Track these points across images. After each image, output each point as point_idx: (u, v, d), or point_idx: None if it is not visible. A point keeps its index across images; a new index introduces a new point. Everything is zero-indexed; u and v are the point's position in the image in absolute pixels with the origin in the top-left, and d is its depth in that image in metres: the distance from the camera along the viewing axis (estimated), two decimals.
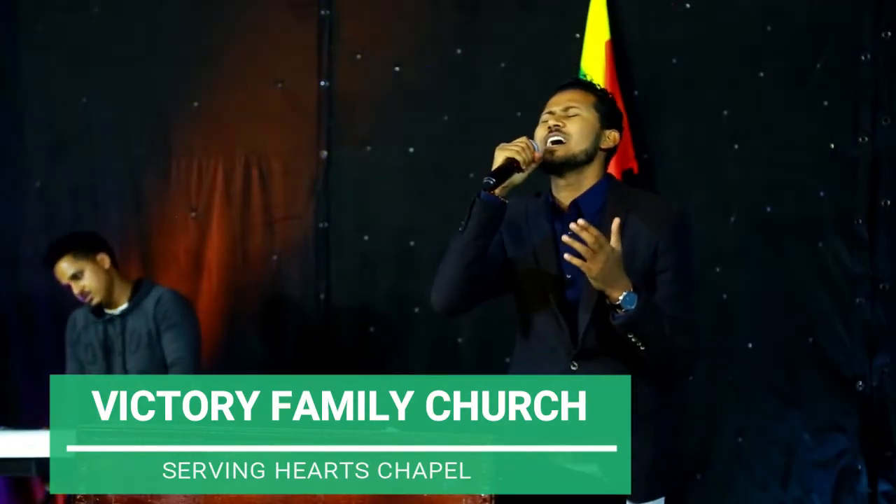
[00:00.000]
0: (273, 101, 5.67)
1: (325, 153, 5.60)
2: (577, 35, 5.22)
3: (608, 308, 3.10)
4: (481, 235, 3.17)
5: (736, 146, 5.14)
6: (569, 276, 3.18)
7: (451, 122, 5.47)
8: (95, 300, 5.17)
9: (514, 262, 3.27)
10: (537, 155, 3.19)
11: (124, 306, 5.20)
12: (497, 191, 3.14)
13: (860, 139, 4.97)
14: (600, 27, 5.13)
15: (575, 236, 3.02)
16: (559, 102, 3.27)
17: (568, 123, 3.23)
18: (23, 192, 5.91)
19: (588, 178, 3.25)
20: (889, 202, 4.97)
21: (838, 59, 5.01)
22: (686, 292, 3.20)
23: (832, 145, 5.03)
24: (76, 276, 5.15)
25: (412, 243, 5.52)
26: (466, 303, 3.28)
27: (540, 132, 3.25)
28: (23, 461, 4.55)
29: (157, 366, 5.12)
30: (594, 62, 5.11)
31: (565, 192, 3.27)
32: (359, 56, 5.57)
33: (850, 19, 4.99)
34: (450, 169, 5.46)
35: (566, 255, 3.04)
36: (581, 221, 3.02)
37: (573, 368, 3.16)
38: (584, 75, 5.07)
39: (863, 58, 4.97)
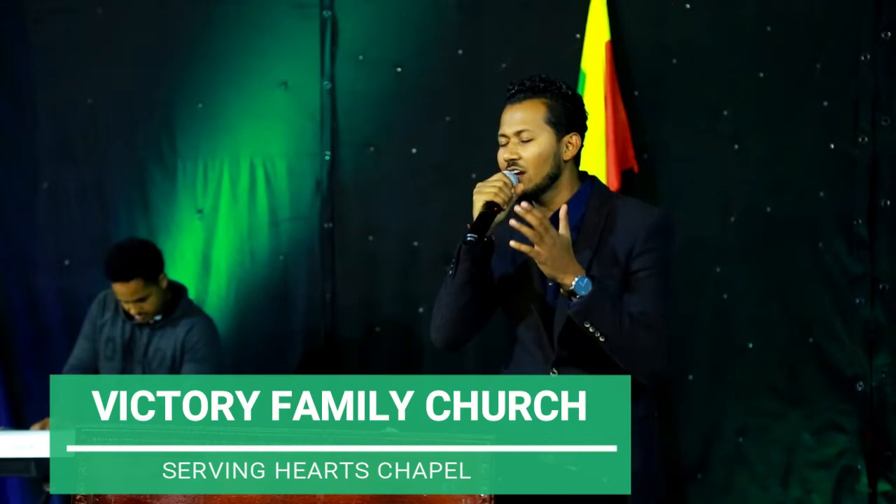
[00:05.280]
0: (276, 103, 5.68)
1: (328, 154, 5.62)
2: (578, 35, 5.22)
3: (565, 297, 3.05)
4: (472, 279, 3.14)
5: (736, 146, 5.15)
6: (550, 284, 3.14)
7: (454, 123, 5.48)
8: (147, 320, 5.11)
9: (502, 278, 3.22)
10: (518, 188, 3.11)
11: (157, 318, 5.13)
12: None
13: (860, 139, 4.98)
14: (600, 27, 5.13)
15: (521, 220, 2.99)
16: (511, 123, 3.16)
17: (522, 152, 3.14)
18: (31, 194, 5.91)
19: (563, 190, 3.18)
20: (889, 202, 4.98)
21: (838, 59, 5.02)
22: (661, 293, 3.11)
23: (832, 145, 5.03)
24: (140, 300, 5.04)
25: (416, 243, 5.53)
26: (467, 337, 3.27)
27: (500, 155, 3.18)
28: (23, 461, 4.55)
29: None
30: (594, 62, 5.11)
31: (546, 205, 3.19)
32: (361, 57, 5.58)
33: (850, 19, 5.00)
34: (452, 169, 5.47)
35: (512, 243, 3.00)
36: (524, 204, 3.00)
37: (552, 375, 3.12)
38: (584, 75, 5.08)
39: (863, 58, 4.98)
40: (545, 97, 3.17)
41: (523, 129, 3.15)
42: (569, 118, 3.18)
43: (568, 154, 3.17)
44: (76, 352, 5.23)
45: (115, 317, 5.17)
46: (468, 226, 3.06)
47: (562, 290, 3.06)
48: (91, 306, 5.27)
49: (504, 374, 3.26)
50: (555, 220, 3.11)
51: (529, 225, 2.99)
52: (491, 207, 3.06)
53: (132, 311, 5.08)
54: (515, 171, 3.13)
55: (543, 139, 3.15)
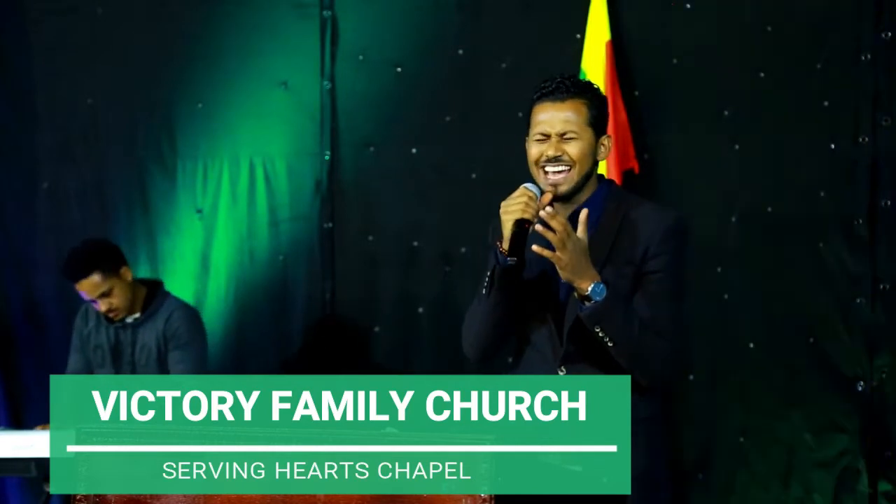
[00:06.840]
0: (276, 102, 5.68)
1: (328, 154, 5.62)
2: (578, 35, 5.23)
3: (579, 301, 3.05)
4: (505, 298, 3.14)
5: (736, 146, 5.15)
6: (563, 281, 3.12)
7: (453, 123, 5.48)
8: (121, 316, 5.10)
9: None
10: (545, 198, 3.09)
11: (137, 315, 5.13)
12: None
13: (860, 139, 4.99)
14: (600, 27, 5.14)
15: (545, 225, 2.99)
16: (554, 123, 3.14)
17: (568, 149, 3.13)
18: (31, 194, 5.92)
19: (587, 190, 3.19)
20: (889, 202, 4.98)
21: (838, 59, 5.02)
22: (672, 297, 3.12)
23: (832, 145, 5.04)
24: (105, 294, 5.03)
25: (416, 243, 5.53)
26: (501, 347, 3.26)
27: (534, 151, 3.15)
28: (23, 461, 4.55)
29: None
30: (594, 62, 5.11)
31: (566, 204, 3.18)
32: (361, 57, 5.59)
33: (850, 19, 5.00)
34: (452, 169, 5.47)
35: (534, 248, 3.00)
36: (549, 209, 3.00)
37: (561, 374, 3.12)
38: (585, 75, 5.08)
39: (863, 58, 4.98)
40: (586, 98, 3.18)
41: (569, 130, 3.14)
42: (603, 120, 3.20)
43: (602, 155, 3.19)
44: (70, 364, 5.24)
45: (99, 325, 5.18)
46: (502, 248, 3.04)
47: (576, 294, 3.06)
48: (76, 320, 5.28)
49: (513, 372, 3.25)
50: (572, 219, 3.10)
51: (552, 230, 2.99)
52: (522, 225, 3.03)
53: (103, 309, 5.07)
54: (558, 170, 3.12)
55: (585, 140, 3.15)
